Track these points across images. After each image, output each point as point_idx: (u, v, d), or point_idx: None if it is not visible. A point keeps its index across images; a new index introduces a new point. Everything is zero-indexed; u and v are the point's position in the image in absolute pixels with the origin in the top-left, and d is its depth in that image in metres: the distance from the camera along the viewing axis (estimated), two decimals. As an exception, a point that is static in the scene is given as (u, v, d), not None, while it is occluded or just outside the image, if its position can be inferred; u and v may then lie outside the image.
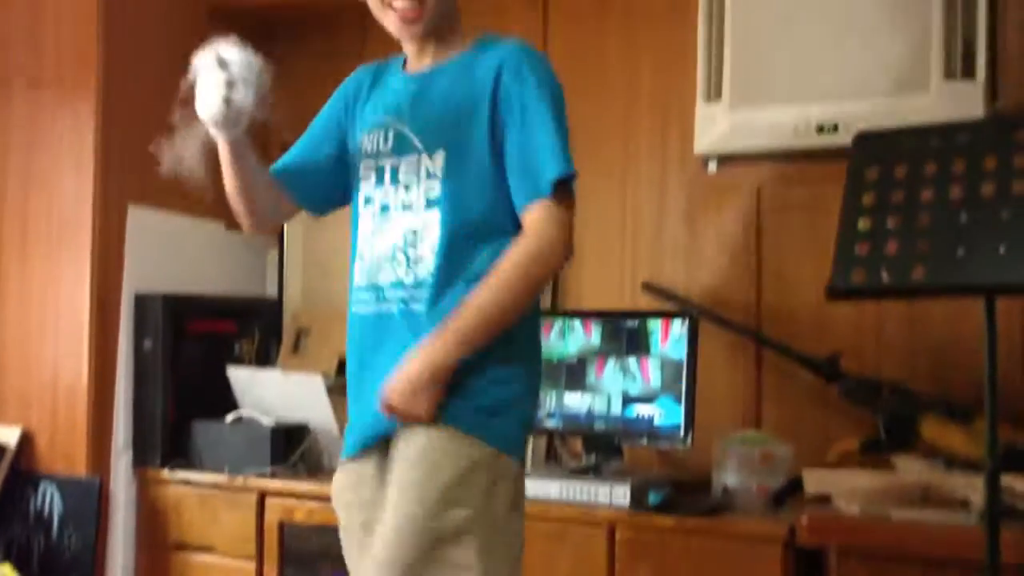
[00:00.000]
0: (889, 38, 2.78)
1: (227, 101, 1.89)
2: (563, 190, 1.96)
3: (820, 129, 2.84)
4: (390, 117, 2.09)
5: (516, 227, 1.98)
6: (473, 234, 1.98)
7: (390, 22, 2.08)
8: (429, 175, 2.00)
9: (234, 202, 2.13)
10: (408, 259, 2.00)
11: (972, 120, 2.51)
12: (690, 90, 3.08)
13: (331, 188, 2.21)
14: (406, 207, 2.03)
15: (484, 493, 1.91)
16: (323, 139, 2.22)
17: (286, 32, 3.73)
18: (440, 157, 2.00)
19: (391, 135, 2.07)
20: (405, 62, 2.18)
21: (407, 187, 2.03)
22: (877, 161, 2.21)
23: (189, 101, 1.94)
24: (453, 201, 1.98)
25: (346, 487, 2.08)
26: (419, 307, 1.97)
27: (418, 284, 1.98)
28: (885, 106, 2.74)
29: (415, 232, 2.00)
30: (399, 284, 2.01)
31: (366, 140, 2.11)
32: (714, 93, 3.00)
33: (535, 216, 1.95)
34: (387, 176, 2.06)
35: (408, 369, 1.90)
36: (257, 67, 1.93)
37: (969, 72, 2.70)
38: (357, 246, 2.11)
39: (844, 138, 2.57)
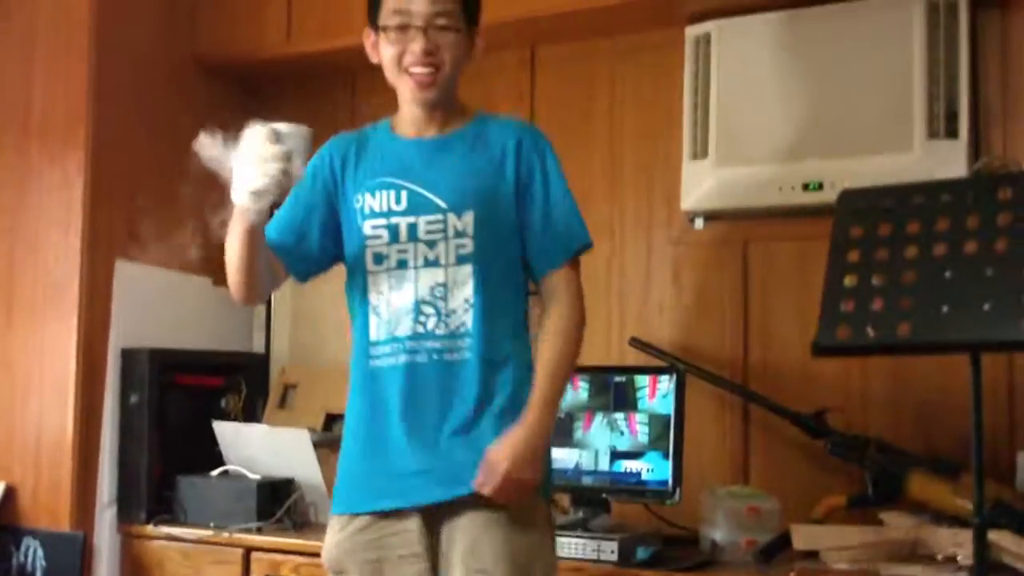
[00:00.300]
0: (873, 98, 2.81)
1: (286, 173, 1.90)
2: (576, 256, 2.16)
3: (805, 187, 2.86)
4: (398, 178, 2.13)
5: (527, 276, 2.17)
6: (502, 286, 2.11)
7: (405, 86, 2.15)
8: (458, 233, 2.08)
9: (237, 276, 2.08)
10: (438, 312, 2.07)
11: (955, 179, 2.53)
12: (676, 148, 3.11)
13: (321, 256, 2.23)
14: (430, 263, 2.09)
15: (553, 542, 2.12)
16: (312, 207, 2.21)
17: (275, 90, 3.75)
18: (469, 216, 2.08)
19: (403, 195, 2.11)
20: (391, 127, 2.22)
21: (430, 244, 2.09)
22: (861, 219, 2.23)
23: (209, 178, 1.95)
24: (485, 256, 2.08)
25: (373, 542, 2.08)
26: (462, 356, 2.07)
27: (453, 335, 2.07)
28: (869, 164, 2.76)
29: (444, 286, 2.08)
30: (429, 335, 2.07)
31: (370, 201, 2.13)
32: (700, 151, 3.02)
33: (561, 282, 2.13)
34: (403, 233, 2.10)
35: (521, 443, 2.00)
36: (308, 136, 1.97)
37: (952, 131, 2.73)
38: (369, 302, 2.14)
39: (829, 196, 2.60)
